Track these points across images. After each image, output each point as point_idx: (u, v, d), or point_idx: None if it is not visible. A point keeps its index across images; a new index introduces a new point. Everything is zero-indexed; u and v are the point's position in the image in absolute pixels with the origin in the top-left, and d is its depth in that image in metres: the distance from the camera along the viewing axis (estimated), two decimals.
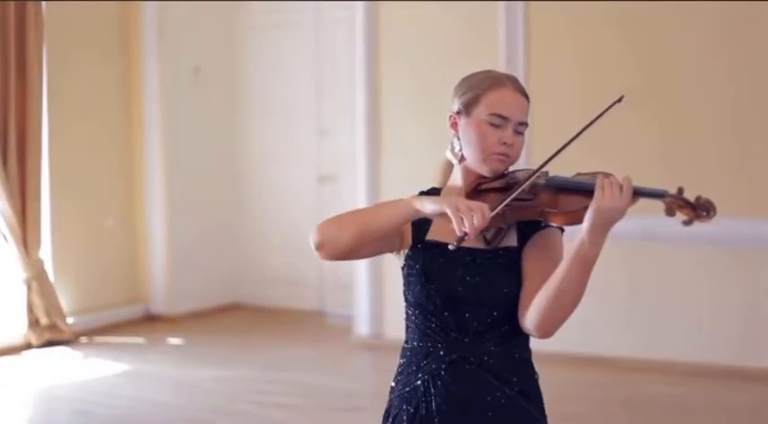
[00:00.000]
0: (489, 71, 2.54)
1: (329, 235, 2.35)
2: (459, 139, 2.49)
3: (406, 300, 2.50)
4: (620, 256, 6.41)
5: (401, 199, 2.35)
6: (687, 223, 2.28)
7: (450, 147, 2.54)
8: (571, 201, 2.32)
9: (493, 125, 2.42)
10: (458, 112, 2.50)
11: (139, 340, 8.02)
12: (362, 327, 7.52)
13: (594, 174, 2.37)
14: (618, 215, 2.24)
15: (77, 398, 6.35)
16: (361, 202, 7.26)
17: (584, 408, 5.96)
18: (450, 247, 2.25)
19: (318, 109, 8.89)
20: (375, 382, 6.48)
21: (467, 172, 2.49)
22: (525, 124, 2.48)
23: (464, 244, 2.29)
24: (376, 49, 7.43)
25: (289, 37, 8.99)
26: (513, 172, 2.49)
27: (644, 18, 6.63)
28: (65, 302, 7.89)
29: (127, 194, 8.69)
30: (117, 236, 8.58)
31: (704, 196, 2.28)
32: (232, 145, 9.28)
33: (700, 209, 2.26)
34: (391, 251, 2.52)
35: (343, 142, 8.46)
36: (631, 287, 6.74)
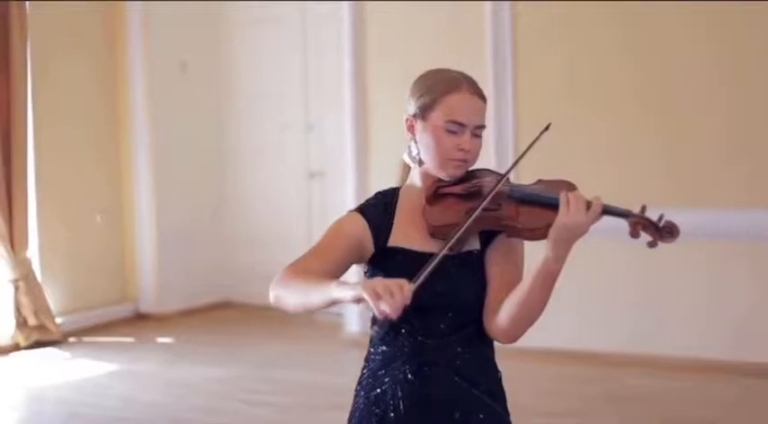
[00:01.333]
0: (445, 71, 2.47)
1: (279, 298, 2.30)
2: (416, 143, 2.46)
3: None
4: (615, 251, 6.38)
5: (330, 283, 2.21)
6: (652, 244, 2.29)
7: (407, 151, 2.51)
8: (534, 216, 2.30)
9: (450, 131, 2.38)
10: (414, 115, 2.45)
11: (128, 339, 7.98)
12: (352, 325, 7.49)
13: (557, 183, 2.37)
14: (582, 230, 2.24)
15: (66, 398, 6.32)
16: (349, 198, 7.24)
17: (575, 404, 5.94)
18: (371, 327, 2.21)
19: (306, 104, 8.86)
20: None
21: (425, 175, 2.47)
22: (483, 127, 2.44)
23: (427, 250, 2.33)
24: (362, 45, 7.40)
25: (275, 32, 8.96)
26: (474, 172, 2.46)
27: (634, 16, 6.60)
28: (53, 302, 7.86)
29: (114, 192, 8.65)
30: (104, 235, 8.54)
31: (666, 217, 2.29)
32: (220, 141, 9.25)
33: (663, 231, 2.28)
34: (358, 263, 2.47)
35: (331, 138, 8.44)
36: (627, 281, 6.70)
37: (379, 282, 2.09)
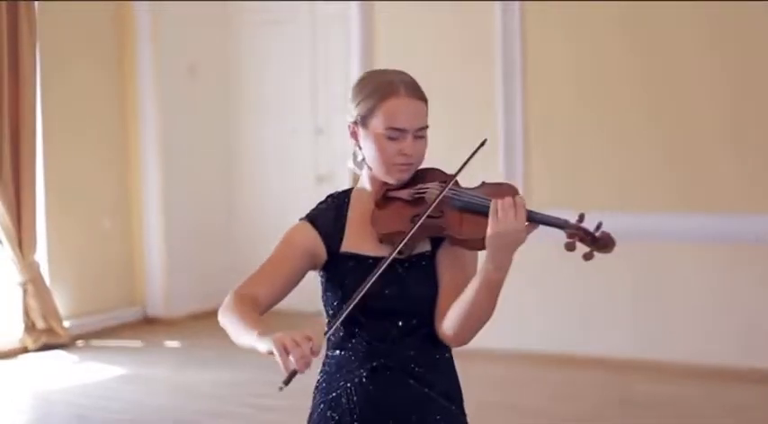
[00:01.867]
0: (382, 73, 2.46)
1: (224, 327, 2.39)
2: (360, 149, 2.46)
3: (326, 311, 2.48)
4: (619, 255, 6.34)
5: (255, 330, 2.23)
6: (587, 256, 2.21)
7: (352, 157, 2.52)
8: (476, 226, 2.27)
9: (391, 138, 2.37)
10: (355, 123, 2.44)
11: (137, 343, 7.97)
12: None
13: (498, 188, 2.34)
14: (518, 238, 2.20)
15: (74, 402, 6.30)
16: None
17: (584, 408, 5.92)
18: (279, 388, 2.13)
19: (315, 107, 8.85)
20: None
21: (373, 179, 2.47)
22: (425, 127, 2.42)
23: (378, 254, 2.33)
24: (371, 47, 7.39)
25: (284, 35, 8.95)
26: (423, 174, 2.45)
27: (643, 17, 6.59)
28: (61, 305, 7.85)
29: (123, 196, 8.64)
30: (113, 238, 8.53)
31: (604, 227, 2.22)
32: (228, 144, 9.23)
33: (600, 242, 2.20)
34: (314, 270, 2.48)
35: (341, 141, 8.41)
36: (631, 286, 6.68)
37: (287, 335, 2.11)
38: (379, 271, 2.26)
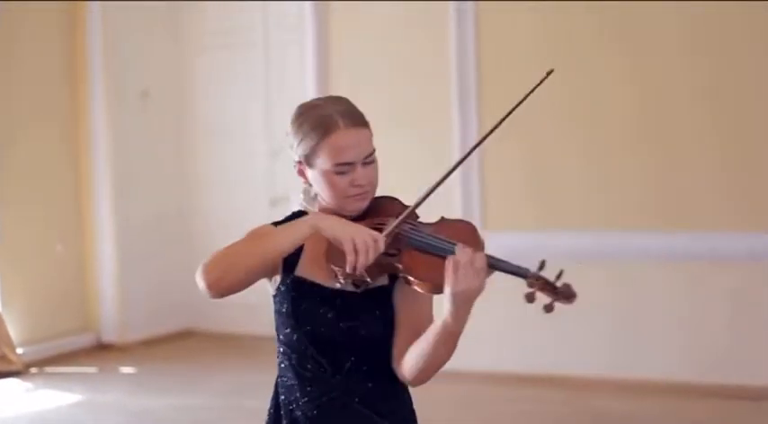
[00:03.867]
0: (318, 107, 2.38)
1: (221, 270, 2.26)
2: (311, 186, 2.41)
3: (277, 337, 2.42)
4: (591, 274, 6.38)
5: (290, 223, 2.28)
6: (548, 308, 2.13)
7: (303, 195, 2.47)
8: (431, 269, 2.20)
9: (339, 173, 2.32)
10: (299, 162, 2.40)
11: (91, 369, 7.88)
12: None
13: (458, 225, 2.30)
14: (476, 293, 2.15)
15: None
16: None
17: None
18: (337, 286, 2.20)
19: (269, 130, 8.82)
20: None
21: (329, 212, 2.38)
22: (372, 152, 2.36)
23: (333, 285, 2.28)
24: (326, 68, 7.38)
25: (238, 59, 8.93)
26: (380, 204, 2.41)
27: (621, 24, 6.59)
28: (14, 332, 7.74)
29: (75, 221, 8.55)
30: (66, 264, 8.44)
31: (564, 278, 2.15)
32: (182, 168, 9.18)
33: (561, 294, 2.14)
34: (267, 276, 2.42)
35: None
36: (600, 304, 6.63)
37: (359, 233, 2.18)
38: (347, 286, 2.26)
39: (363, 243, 2.14)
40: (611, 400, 6.39)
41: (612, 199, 6.58)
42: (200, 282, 2.26)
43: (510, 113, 2.36)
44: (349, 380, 2.35)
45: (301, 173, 2.42)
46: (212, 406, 6.64)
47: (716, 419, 6.01)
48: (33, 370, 7.78)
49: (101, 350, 8.49)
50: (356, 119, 2.35)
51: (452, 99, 6.96)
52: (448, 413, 5.96)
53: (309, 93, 7.40)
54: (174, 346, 8.68)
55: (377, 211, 2.39)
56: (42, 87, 8.28)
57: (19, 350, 7.76)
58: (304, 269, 2.37)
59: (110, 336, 8.58)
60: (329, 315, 2.32)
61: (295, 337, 2.35)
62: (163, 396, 6.94)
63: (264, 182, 8.84)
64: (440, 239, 2.25)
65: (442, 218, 2.38)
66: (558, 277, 2.15)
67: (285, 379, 2.42)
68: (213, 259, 2.28)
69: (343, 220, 2.25)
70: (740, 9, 6.27)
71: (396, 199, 2.44)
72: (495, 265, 2.17)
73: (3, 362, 7.55)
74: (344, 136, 2.31)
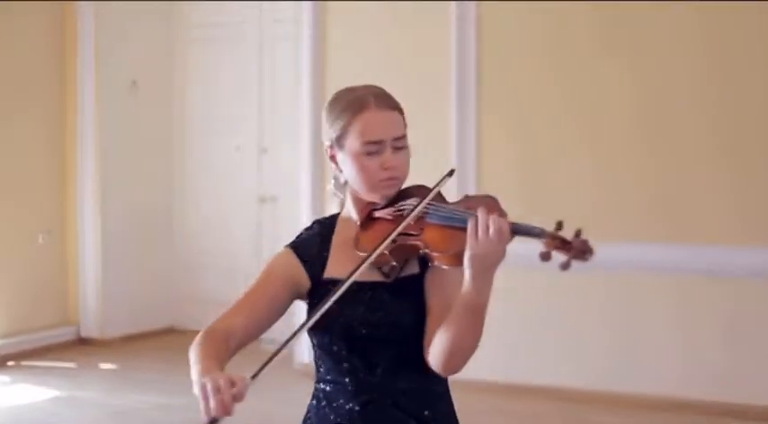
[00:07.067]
0: (350, 91, 2.38)
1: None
2: (342, 171, 2.38)
3: (311, 341, 2.38)
4: (586, 286, 6.31)
5: (201, 364, 2.29)
6: (564, 266, 2.07)
7: (332, 182, 2.46)
8: (452, 240, 2.15)
9: (369, 153, 2.29)
10: (331, 146, 2.38)
11: (70, 364, 7.76)
12: (303, 355, 7.30)
13: (480, 199, 2.22)
14: (497, 258, 2.08)
15: None
16: (303, 223, 7.08)
17: None
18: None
19: (260, 127, 8.71)
20: None
21: (358, 200, 2.39)
22: (403, 137, 2.34)
23: (363, 279, 2.21)
24: (322, 63, 7.29)
25: (230, 52, 8.82)
26: (406, 191, 2.36)
27: (623, 29, 6.51)
28: None
29: (58, 213, 8.44)
30: (47, 256, 8.31)
31: (584, 234, 2.09)
32: (169, 163, 9.07)
33: (577, 249, 2.07)
34: (299, 299, 2.41)
35: (286, 161, 8.28)
36: (606, 316, 6.57)
37: (212, 378, 2.07)
38: (340, 292, 2.15)
39: (215, 389, 2.08)
40: (606, 414, 6.32)
41: (610, 210, 6.51)
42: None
43: (408, 219, 2.24)
44: (385, 380, 2.29)
45: (332, 158, 2.39)
46: (191, 404, 6.50)
47: None
48: (11, 363, 7.66)
49: (80, 345, 8.38)
50: (388, 101, 2.35)
51: (452, 99, 6.89)
52: None
53: (305, 93, 7.31)
54: (154, 343, 8.57)
55: (401, 198, 2.35)
56: (30, 77, 8.16)
57: None
58: (332, 270, 2.35)
59: (90, 331, 8.45)
60: (360, 311, 2.28)
61: (327, 339, 2.32)
62: (144, 394, 6.84)
63: (253, 179, 8.73)
64: (460, 211, 2.19)
65: (466, 195, 2.32)
66: (577, 235, 2.09)
67: (323, 383, 2.39)
68: (196, 339, 2.38)
69: (204, 372, 2.20)
70: (740, 9, 6.21)
71: (423, 186, 2.38)
72: (515, 229, 2.11)
73: None
74: (374, 115, 2.30)
